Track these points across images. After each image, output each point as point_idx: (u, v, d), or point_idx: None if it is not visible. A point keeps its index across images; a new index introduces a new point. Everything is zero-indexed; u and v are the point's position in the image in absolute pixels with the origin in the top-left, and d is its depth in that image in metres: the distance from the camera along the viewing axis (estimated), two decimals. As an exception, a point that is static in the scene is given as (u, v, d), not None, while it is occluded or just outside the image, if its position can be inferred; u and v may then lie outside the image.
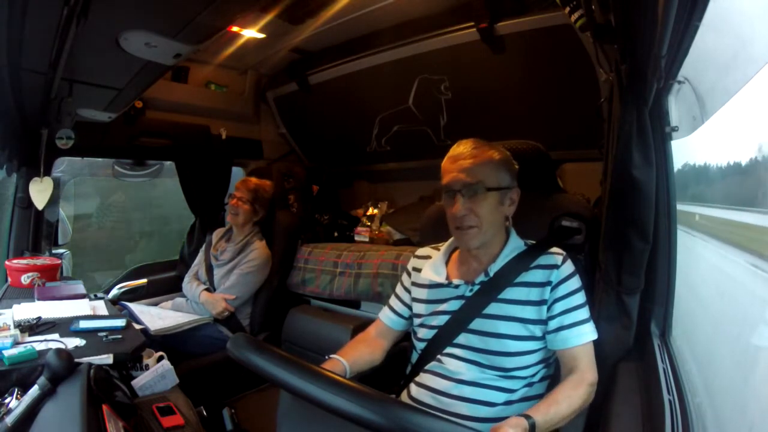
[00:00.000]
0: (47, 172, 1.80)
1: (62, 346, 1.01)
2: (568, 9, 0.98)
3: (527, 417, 0.77)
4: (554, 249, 1.00)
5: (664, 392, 0.77)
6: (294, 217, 2.30)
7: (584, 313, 0.95)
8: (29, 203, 1.77)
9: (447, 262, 1.08)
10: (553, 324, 0.93)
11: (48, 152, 1.73)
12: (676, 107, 0.96)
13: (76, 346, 1.03)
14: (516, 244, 1.02)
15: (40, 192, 1.75)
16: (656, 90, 0.85)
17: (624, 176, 0.91)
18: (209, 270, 2.02)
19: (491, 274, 0.98)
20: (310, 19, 1.74)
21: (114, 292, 2.05)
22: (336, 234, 2.45)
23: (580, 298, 0.95)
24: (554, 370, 0.99)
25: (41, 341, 1.04)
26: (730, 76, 0.85)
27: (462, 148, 0.98)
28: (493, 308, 0.96)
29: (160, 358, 1.16)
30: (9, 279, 1.59)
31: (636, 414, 0.79)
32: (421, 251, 1.16)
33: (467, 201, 0.94)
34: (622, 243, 0.95)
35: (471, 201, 0.94)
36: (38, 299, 1.40)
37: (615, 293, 0.98)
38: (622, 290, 0.97)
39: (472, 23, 1.59)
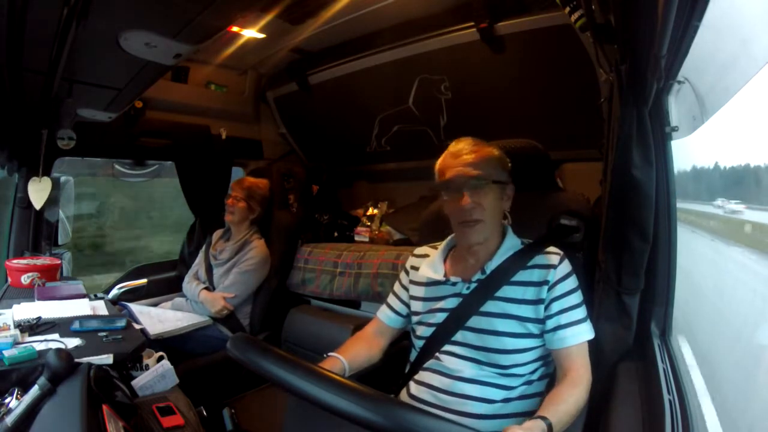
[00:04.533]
0: (47, 172, 1.80)
1: (62, 346, 1.00)
2: (568, 9, 0.98)
3: (543, 418, 0.77)
4: (551, 249, 1.00)
5: (664, 392, 0.77)
6: (293, 217, 2.29)
7: (581, 312, 0.95)
8: (29, 203, 1.76)
9: (445, 260, 1.08)
10: (550, 323, 0.94)
11: (48, 152, 1.73)
12: (676, 107, 0.96)
13: (76, 346, 1.03)
14: (512, 243, 1.02)
15: (38, 192, 1.75)
16: (656, 90, 0.85)
17: (624, 176, 0.91)
18: (209, 270, 2.02)
19: (488, 271, 0.99)
20: (310, 19, 1.74)
21: (114, 292, 2.04)
22: (336, 234, 2.45)
23: (577, 297, 0.96)
24: (553, 369, 0.99)
25: (41, 341, 1.04)
26: (730, 76, 0.85)
27: (462, 144, 1.00)
28: (490, 306, 0.97)
29: (160, 358, 1.16)
30: (9, 279, 1.59)
31: (636, 414, 0.79)
32: (419, 250, 1.17)
33: (473, 194, 0.96)
34: (622, 243, 0.95)
35: (476, 194, 0.96)
36: (38, 299, 1.39)
37: (615, 293, 0.98)
38: (622, 290, 0.97)
39: (472, 23, 1.59)
